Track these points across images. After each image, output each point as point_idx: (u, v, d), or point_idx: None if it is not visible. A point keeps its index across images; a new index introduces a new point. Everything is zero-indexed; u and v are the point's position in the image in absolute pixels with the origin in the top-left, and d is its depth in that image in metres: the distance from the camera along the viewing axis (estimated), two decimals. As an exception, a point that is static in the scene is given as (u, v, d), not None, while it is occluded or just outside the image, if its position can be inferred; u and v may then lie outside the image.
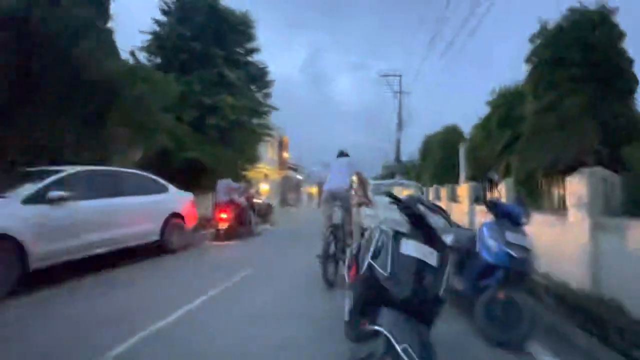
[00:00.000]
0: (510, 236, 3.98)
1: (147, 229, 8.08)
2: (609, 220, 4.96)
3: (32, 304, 4.94)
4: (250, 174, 20.09)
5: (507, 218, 4.19)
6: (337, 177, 6.38)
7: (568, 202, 5.67)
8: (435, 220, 2.80)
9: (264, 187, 30.62)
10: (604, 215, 5.10)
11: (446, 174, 19.44)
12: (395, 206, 2.98)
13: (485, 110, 13.30)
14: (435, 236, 2.73)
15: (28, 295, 5.26)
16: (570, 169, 6.28)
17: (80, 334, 3.93)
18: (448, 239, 2.93)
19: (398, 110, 29.74)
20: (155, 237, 8.30)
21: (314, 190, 46.25)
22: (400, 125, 29.91)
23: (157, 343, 3.75)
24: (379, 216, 6.86)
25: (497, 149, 11.61)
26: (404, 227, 2.84)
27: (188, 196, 9.62)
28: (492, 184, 4.65)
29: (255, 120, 18.66)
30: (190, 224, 9.49)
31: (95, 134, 8.85)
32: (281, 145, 43.63)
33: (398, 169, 29.78)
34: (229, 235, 11.42)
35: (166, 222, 8.54)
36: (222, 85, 16.20)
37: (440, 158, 20.57)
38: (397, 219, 2.92)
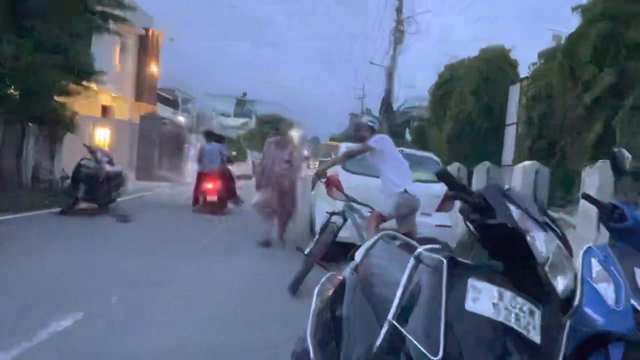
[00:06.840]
0: None
1: None
2: None
3: None
4: (71, 102, 10.32)
5: (633, 242, 2.34)
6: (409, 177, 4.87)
7: None
8: (541, 241, 1.42)
9: (102, 134, 14.95)
10: None
11: (481, 142, 12.12)
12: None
13: (566, 26, 8.44)
14: (542, 278, 1.41)
15: None
16: None
17: None
18: (562, 284, 1.50)
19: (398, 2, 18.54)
20: None
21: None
22: (399, 34, 16.33)
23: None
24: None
25: (585, 101, 7.08)
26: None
27: None
28: (618, 169, 2.63)
29: None
30: None
31: None
32: (145, 49, 21.69)
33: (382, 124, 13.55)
34: None
35: None
36: None
37: (471, 109, 12.45)
38: None
